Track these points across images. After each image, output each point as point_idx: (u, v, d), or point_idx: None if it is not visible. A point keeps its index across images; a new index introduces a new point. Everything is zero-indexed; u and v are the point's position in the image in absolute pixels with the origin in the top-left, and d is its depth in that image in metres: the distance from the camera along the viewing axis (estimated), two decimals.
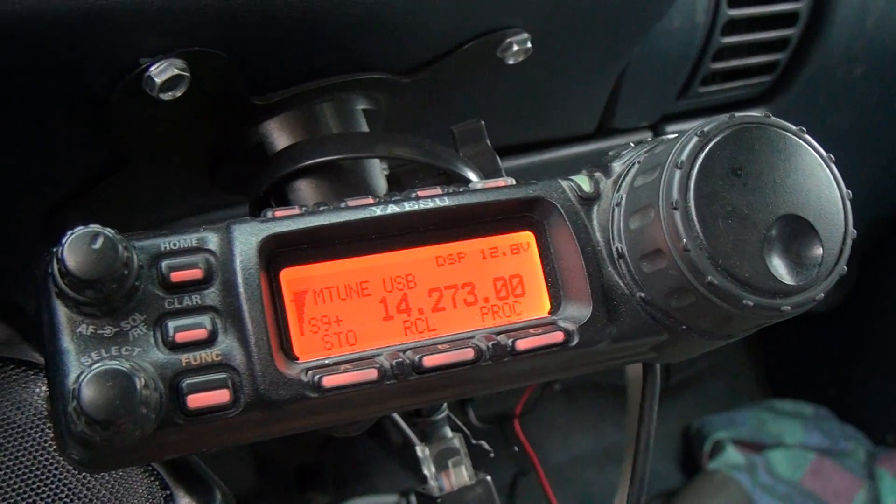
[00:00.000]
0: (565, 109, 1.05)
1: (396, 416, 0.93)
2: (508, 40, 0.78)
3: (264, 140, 0.73)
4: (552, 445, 2.27)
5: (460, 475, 0.82)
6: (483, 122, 0.77)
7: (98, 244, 0.50)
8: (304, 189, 0.70)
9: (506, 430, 1.85)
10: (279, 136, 0.73)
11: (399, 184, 0.75)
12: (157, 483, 0.67)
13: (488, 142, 0.76)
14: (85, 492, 0.65)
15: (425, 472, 0.85)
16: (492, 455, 0.97)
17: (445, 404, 0.89)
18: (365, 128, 0.75)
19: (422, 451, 0.86)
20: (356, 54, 0.72)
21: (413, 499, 1.82)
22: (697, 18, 1.15)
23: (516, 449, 1.51)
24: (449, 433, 0.85)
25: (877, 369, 2.32)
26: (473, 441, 0.95)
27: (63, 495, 0.65)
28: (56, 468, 0.65)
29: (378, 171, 0.74)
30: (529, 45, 0.78)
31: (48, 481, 0.65)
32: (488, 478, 0.83)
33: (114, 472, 0.66)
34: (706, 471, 2.22)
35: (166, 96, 0.62)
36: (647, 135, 1.23)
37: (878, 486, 2.16)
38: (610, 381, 2.24)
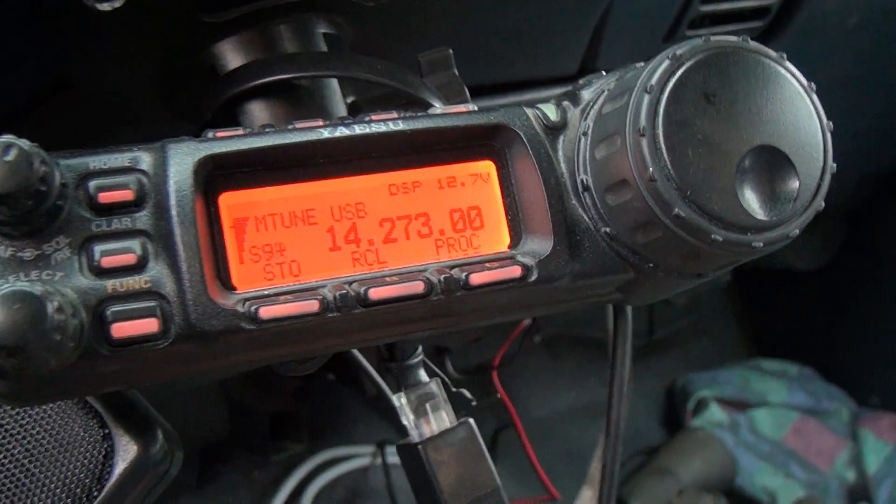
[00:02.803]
0: (543, 46, 1.00)
1: (365, 363, 0.89)
2: None
3: (216, 62, 0.69)
4: (534, 400, 2.26)
5: (441, 419, 0.79)
6: (451, 51, 0.72)
7: (10, 156, 0.46)
8: (256, 113, 0.66)
9: (485, 382, 1.83)
10: (232, 57, 0.68)
11: (360, 113, 0.71)
12: (95, 421, 0.64)
13: (455, 71, 0.72)
14: (18, 429, 0.62)
15: (404, 421, 0.82)
16: (473, 403, 0.93)
17: (420, 347, 0.86)
18: (324, 51, 0.71)
19: (398, 399, 0.82)
20: None
21: (388, 449, 1.81)
22: None
23: (498, 396, 1.48)
24: (425, 377, 0.82)
25: (863, 330, 2.31)
26: (453, 389, 0.92)
27: None
28: None
29: (338, 97, 0.70)
30: None
31: None
32: (471, 420, 0.80)
33: (49, 411, 0.63)
34: (689, 428, 2.21)
35: (103, 6, 0.57)
36: None
37: (860, 446, 2.16)
38: (594, 335, 2.22)
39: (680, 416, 2.30)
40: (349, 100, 0.72)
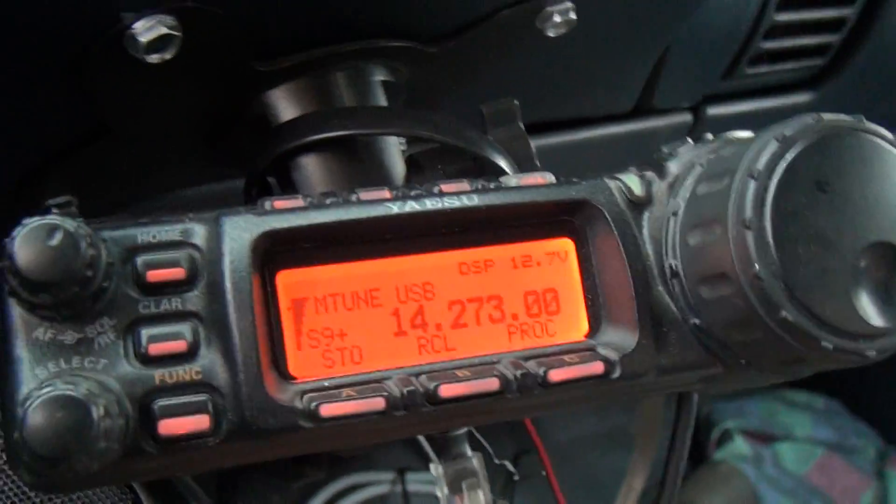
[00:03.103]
0: (604, 87, 0.96)
1: None
2: (550, 9, 0.68)
3: (268, 111, 0.64)
4: (555, 424, 2.21)
5: (476, 500, 0.74)
6: (517, 103, 0.68)
7: (56, 240, 0.41)
8: (310, 168, 0.61)
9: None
10: (285, 106, 0.64)
11: (418, 168, 0.66)
12: (128, 495, 0.60)
13: (521, 124, 0.67)
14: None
15: (437, 493, 0.77)
16: (516, 478, 0.89)
17: None
18: (383, 102, 0.66)
19: (435, 469, 0.78)
20: (377, 17, 0.62)
21: (408, 476, 1.77)
22: None
23: (543, 474, 1.43)
24: (468, 451, 0.77)
25: (893, 365, 2.25)
26: (496, 461, 0.87)
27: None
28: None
29: (395, 152, 0.65)
30: (573, 15, 0.69)
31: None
32: None
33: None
34: (712, 461, 2.16)
35: (153, 59, 0.52)
36: (687, 116, 1.13)
37: (886, 486, 2.11)
38: None
39: (704, 447, 2.25)
40: (407, 153, 0.67)
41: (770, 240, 0.46)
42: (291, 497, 1.39)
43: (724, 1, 1.03)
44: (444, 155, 0.66)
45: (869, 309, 0.47)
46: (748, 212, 0.47)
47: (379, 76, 0.66)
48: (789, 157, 0.48)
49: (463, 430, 0.75)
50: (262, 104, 0.64)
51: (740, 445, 2.17)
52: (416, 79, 0.70)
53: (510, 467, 0.82)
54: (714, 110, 1.15)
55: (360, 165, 0.62)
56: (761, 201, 0.47)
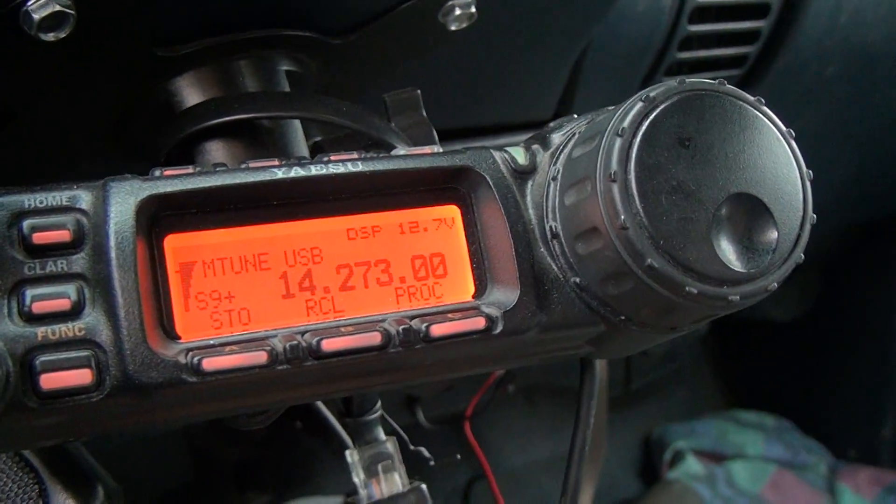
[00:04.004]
0: (517, 91, 0.98)
1: (328, 415, 0.86)
2: (451, 3, 0.71)
3: (172, 99, 0.66)
4: (509, 450, 2.21)
5: (392, 482, 0.75)
6: (419, 91, 0.70)
7: None
8: (213, 153, 0.63)
9: (458, 432, 1.79)
10: (189, 94, 0.65)
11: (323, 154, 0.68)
12: (30, 477, 0.60)
13: (423, 112, 0.70)
14: None
15: (354, 478, 0.78)
16: (432, 463, 0.89)
17: (379, 403, 0.82)
18: (287, 89, 0.68)
19: (350, 455, 0.78)
20: (278, 6, 0.64)
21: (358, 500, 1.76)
22: (664, 2, 1.09)
23: (458, 457, 1.43)
24: (382, 435, 0.78)
25: (841, 382, 2.28)
26: (412, 447, 0.88)
27: None
28: None
29: (300, 138, 0.67)
30: (474, 9, 0.71)
31: None
32: (423, 486, 0.76)
33: None
34: (665, 480, 2.17)
35: (48, 37, 0.54)
36: None
37: (838, 501, 2.13)
38: (570, 385, 2.18)
39: (656, 468, 2.26)
40: (312, 141, 0.69)
41: (634, 191, 0.49)
42: None
43: (636, 11, 1.07)
44: (348, 142, 0.68)
45: (731, 255, 0.49)
46: (614, 166, 0.49)
47: (283, 66, 0.68)
48: (653, 115, 0.50)
49: (376, 415, 0.77)
50: (166, 92, 0.65)
51: (693, 465, 2.18)
52: (322, 71, 0.72)
53: (425, 453, 0.83)
54: None
55: (262, 150, 0.64)
56: (626, 156, 0.49)
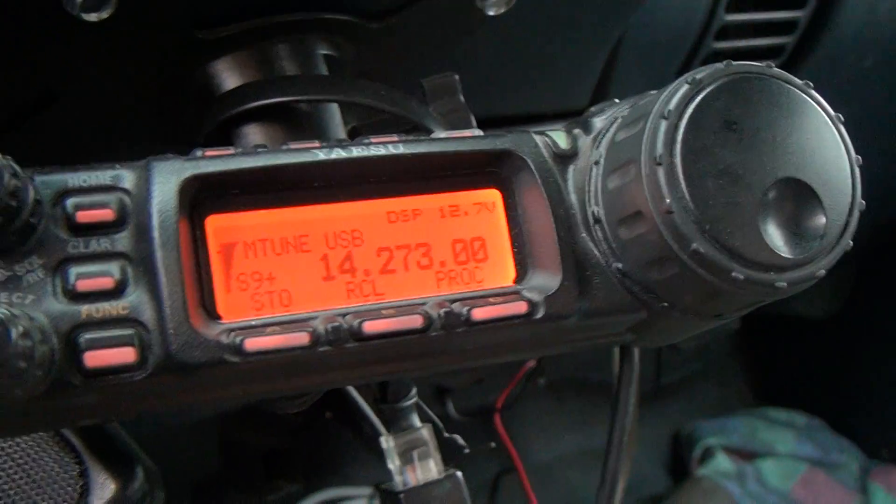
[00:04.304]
0: (553, 79, 0.98)
1: (362, 402, 0.86)
2: None
3: (211, 81, 0.66)
4: (537, 444, 2.21)
5: (427, 469, 0.75)
6: (457, 76, 0.70)
7: None
8: (251, 136, 0.63)
9: (487, 424, 1.78)
10: (228, 77, 0.65)
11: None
12: (71, 457, 0.60)
13: (461, 97, 0.69)
14: None
15: (389, 465, 0.78)
16: (466, 451, 0.89)
17: (414, 390, 0.82)
18: (325, 73, 0.68)
19: (385, 441, 0.78)
20: None
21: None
22: None
23: (493, 445, 1.43)
24: (417, 422, 0.78)
25: (874, 381, 2.25)
26: (446, 434, 0.88)
27: None
28: None
29: (338, 122, 0.67)
30: None
31: None
32: (459, 473, 0.76)
33: (22, 444, 0.59)
34: (694, 477, 2.15)
35: (90, 17, 0.54)
36: None
37: (870, 500, 2.10)
38: (600, 379, 2.17)
39: (686, 464, 2.25)
40: (350, 126, 0.69)
41: (680, 175, 0.48)
42: None
43: (673, 0, 1.06)
44: (387, 127, 0.68)
45: (777, 240, 0.48)
46: (659, 149, 0.48)
47: (321, 50, 0.68)
48: (699, 98, 0.49)
49: (412, 401, 0.76)
50: (206, 75, 0.66)
51: (723, 462, 2.16)
52: (359, 56, 0.72)
53: (460, 441, 0.83)
54: None
55: (300, 133, 0.64)
56: (672, 139, 0.49)
